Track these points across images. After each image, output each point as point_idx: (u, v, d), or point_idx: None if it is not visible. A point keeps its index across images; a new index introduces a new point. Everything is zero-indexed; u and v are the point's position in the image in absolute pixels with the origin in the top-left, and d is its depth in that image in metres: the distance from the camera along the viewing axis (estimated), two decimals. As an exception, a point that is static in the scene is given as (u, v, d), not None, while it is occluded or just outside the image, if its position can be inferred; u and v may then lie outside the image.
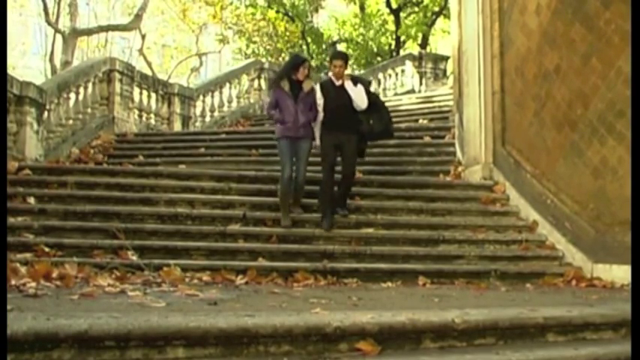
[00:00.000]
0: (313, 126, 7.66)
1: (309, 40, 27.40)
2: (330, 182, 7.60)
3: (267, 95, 8.04)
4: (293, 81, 7.63)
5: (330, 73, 7.94)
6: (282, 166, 7.55)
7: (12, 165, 8.14)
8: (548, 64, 7.59)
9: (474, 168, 9.13)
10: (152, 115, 14.32)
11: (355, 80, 7.89)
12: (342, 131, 7.57)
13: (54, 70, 20.93)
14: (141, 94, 14.02)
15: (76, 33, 21.16)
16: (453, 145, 10.70)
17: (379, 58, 25.93)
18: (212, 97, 16.15)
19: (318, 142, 7.68)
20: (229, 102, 16.66)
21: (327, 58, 27.67)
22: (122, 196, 7.71)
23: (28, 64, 30.94)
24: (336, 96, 7.63)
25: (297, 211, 7.61)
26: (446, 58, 19.71)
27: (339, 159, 7.74)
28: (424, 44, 25.72)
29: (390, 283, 6.37)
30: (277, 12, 26.79)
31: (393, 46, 26.86)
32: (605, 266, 6.72)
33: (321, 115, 7.62)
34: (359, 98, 7.65)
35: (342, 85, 7.67)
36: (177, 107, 14.77)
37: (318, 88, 7.74)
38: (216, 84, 16.52)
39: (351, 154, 7.65)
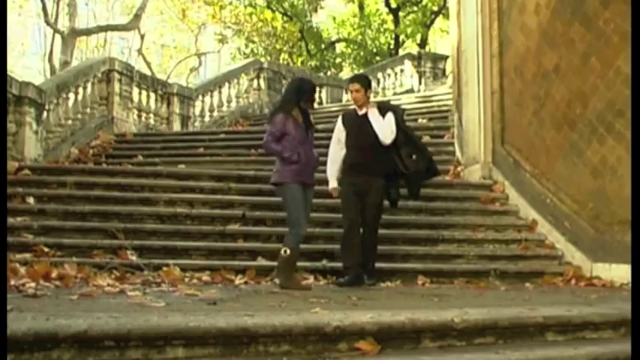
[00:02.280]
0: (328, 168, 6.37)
1: (307, 39, 27.39)
2: (352, 234, 6.20)
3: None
4: (302, 110, 5.96)
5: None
6: (297, 223, 5.76)
7: (11, 165, 8.13)
8: (547, 63, 7.59)
9: (474, 167, 9.13)
10: (151, 115, 14.32)
11: (384, 109, 6.36)
12: (363, 175, 6.14)
13: (53, 71, 20.93)
14: (140, 94, 14.02)
15: (75, 33, 21.16)
16: (452, 144, 10.70)
17: (378, 58, 25.93)
18: (211, 97, 16.15)
19: (334, 184, 6.40)
20: (228, 102, 16.65)
21: (327, 58, 28.04)
22: (121, 196, 7.70)
23: (27, 65, 30.94)
24: (358, 129, 6.24)
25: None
26: (445, 58, 19.68)
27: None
28: (423, 44, 25.74)
29: (389, 283, 6.38)
30: (274, 12, 26.76)
31: (392, 46, 26.88)
32: (604, 265, 6.73)
33: (342, 152, 6.33)
34: (383, 132, 6.17)
35: (366, 115, 6.27)
36: (176, 107, 14.77)
37: (340, 120, 6.50)
38: (216, 84, 16.51)
39: (371, 203, 6.16)
